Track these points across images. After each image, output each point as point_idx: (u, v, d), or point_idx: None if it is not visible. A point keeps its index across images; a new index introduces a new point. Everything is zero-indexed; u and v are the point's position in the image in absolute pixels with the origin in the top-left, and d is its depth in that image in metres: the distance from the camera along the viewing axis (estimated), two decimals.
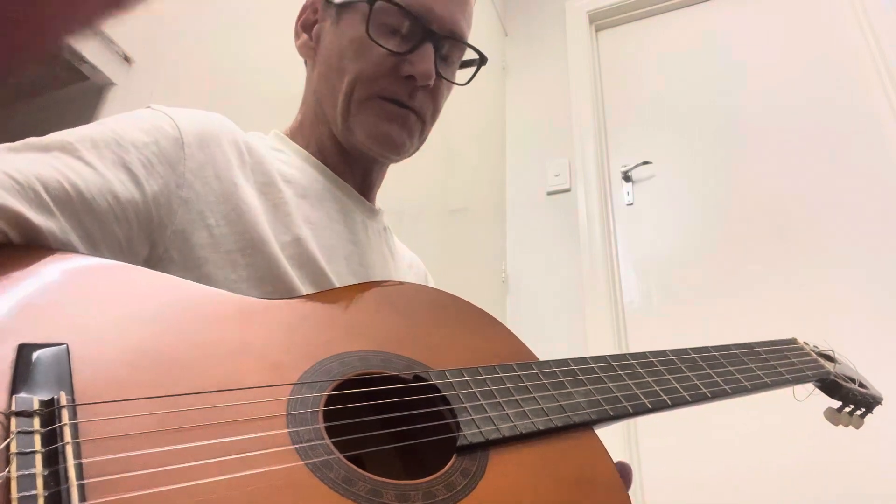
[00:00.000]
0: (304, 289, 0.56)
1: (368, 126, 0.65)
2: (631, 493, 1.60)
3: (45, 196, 0.42)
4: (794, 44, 2.11)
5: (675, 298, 1.91)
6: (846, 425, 0.84)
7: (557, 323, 1.97)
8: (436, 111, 0.70)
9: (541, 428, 0.47)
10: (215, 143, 0.57)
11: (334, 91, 0.66)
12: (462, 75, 0.74)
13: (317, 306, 0.50)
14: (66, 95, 0.94)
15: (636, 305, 1.96)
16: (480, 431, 0.45)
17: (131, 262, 0.45)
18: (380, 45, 0.63)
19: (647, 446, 1.71)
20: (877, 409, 0.85)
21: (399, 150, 0.67)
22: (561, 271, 2.05)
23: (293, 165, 0.65)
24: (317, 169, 0.68)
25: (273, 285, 0.53)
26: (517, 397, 0.49)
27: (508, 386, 0.50)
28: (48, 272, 0.40)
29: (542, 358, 0.56)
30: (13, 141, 0.47)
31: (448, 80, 0.68)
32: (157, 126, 0.54)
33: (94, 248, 0.46)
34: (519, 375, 0.51)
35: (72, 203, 0.44)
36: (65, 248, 0.43)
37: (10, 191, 0.40)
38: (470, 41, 0.71)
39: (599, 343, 1.84)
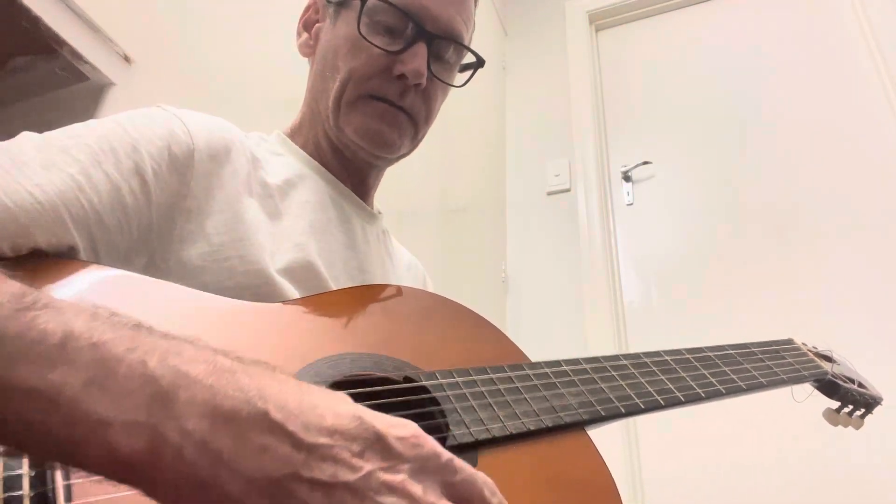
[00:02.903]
0: (301, 295, 0.55)
1: (357, 124, 0.65)
2: (631, 491, 1.59)
3: (65, 216, 0.44)
4: (794, 43, 2.11)
5: (675, 298, 1.90)
6: (845, 426, 0.83)
7: (557, 323, 1.97)
8: (429, 113, 0.69)
9: (531, 428, 0.47)
10: (224, 152, 0.57)
11: (327, 89, 0.66)
12: (461, 78, 0.73)
13: (308, 309, 0.50)
14: (66, 95, 0.94)
15: (636, 305, 1.96)
16: (470, 432, 0.45)
17: (128, 269, 0.45)
18: (371, 44, 0.63)
19: (648, 444, 1.70)
20: (877, 410, 0.85)
21: (390, 147, 0.66)
22: (561, 271, 2.05)
23: (294, 170, 0.65)
24: (317, 173, 0.68)
25: (268, 295, 0.53)
26: (507, 398, 0.49)
27: (499, 387, 0.50)
28: (42, 279, 0.40)
29: (541, 358, 0.56)
30: None
31: (441, 81, 0.68)
32: (170, 131, 0.54)
33: (95, 256, 0.46)
34: (510, 376, 0.51)
35: (87, 220, 0.45)
36: (67, 255, 0.44)
37: (31, 214, 0.41)
38: (471, 44, 0.70)
39: (599, 343, 1.84)
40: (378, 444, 0.29)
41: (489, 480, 0.32)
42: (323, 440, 0.27)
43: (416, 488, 0.28)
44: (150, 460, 0.25)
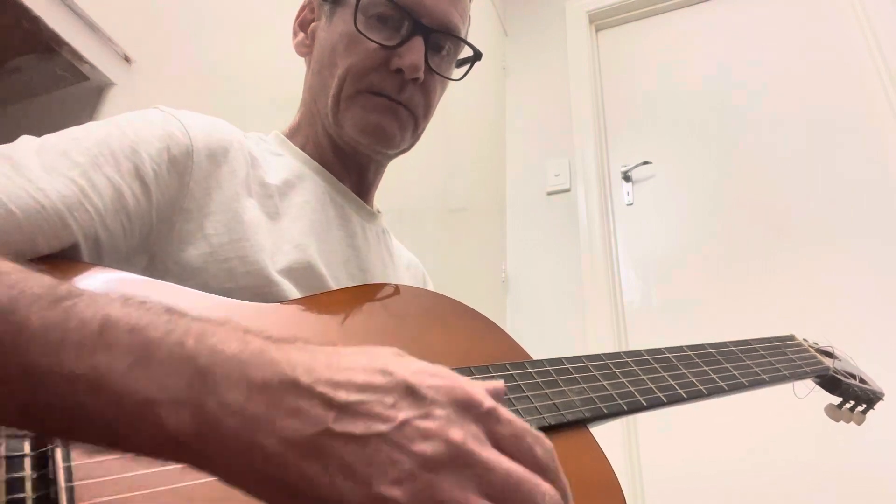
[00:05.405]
0: (301, 296, 0.55)
1: (357, 119, 0.65)
2: (631, 489, 1.59)
3: (70, 222, 0.44)
4: (793, 43, 2.11)
5: (674, 298, 1.90)
6: (847, 421, 0.84)
7: (557, 323, 1.97)
8: (428, 107, 0.69)
9: (533, 426, 0.47)
10: (222, 152, 0.57)
11: (326, 87, 0.66)
12: (458, 72, 0.74)
13: (309, 309, 0.50)
14: (66, 95, 0.94)
15: (636, 305, 1.96)
16: None
17: (129, 271, 0.45)
18: (369, 39, 0.63)
19: (648, 442, 1.70)
20: (878, 405, 0.85)
21: (390, 141, 0.66)
22: (561, 271, 2.05)
23: (293, 170, 0.65)
24: (316, 172, 0.68)
25: (268, 295, 0.53)
26: (510, 396, 0.49)
27: None
28: None
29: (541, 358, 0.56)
30: (12, 141, 0.47)
31: (439, 74, 0.68)
32: (168, 132, 0.54)
33: (98, 258, 0.46)
34: (512, 374, 0.51)
35: (93, 225, 0.45)
36: (69, 256, 0.44)
37: (35, 220, 0.41)
38: (467, 38, 0.71)
39: (599, 343, 1.84)
40: (410, 394, 0.29)
41: (545, 441, 0.31)
42: (354, 397, 0.28)
43: (456, 434, 0.28)
44: (195, 434, 0.27)
